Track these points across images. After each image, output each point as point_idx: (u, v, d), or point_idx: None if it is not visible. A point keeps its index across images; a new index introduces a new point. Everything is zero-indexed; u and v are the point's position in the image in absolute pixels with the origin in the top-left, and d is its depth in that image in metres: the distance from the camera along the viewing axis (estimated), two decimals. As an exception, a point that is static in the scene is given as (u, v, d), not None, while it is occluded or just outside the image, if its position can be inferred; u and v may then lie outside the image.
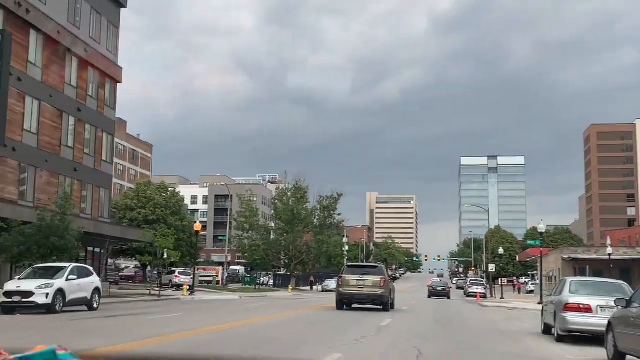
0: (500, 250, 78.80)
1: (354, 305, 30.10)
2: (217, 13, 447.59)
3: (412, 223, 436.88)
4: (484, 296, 68.78)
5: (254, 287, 69.45)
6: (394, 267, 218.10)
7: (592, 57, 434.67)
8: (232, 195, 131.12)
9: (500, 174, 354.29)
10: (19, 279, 25.28)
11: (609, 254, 59.24)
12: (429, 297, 62.72)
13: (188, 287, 41.84)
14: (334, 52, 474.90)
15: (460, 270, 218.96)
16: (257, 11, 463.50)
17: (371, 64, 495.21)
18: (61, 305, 24.01)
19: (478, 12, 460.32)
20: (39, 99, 34.94)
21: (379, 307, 29.18)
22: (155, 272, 70.43)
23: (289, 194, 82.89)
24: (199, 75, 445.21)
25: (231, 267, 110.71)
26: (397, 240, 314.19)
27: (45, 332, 16.50)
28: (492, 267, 75.90)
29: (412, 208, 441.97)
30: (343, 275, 30.31)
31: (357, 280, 29.09)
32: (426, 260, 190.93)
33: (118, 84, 43.66)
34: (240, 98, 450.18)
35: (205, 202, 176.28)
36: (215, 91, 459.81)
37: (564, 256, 66.91)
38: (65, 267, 25.84)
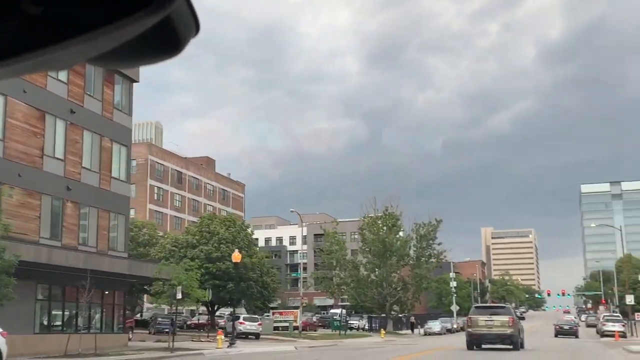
0: (641, 277, 64.47)
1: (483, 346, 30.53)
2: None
3: (531, 258, 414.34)
4: (623, 335, 55.21)
5: (339, 332, 58.86)
6: (513, 304, 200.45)
7: None
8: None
9: (625, 200, 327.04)
10: None
11: None
12: (556, 336, 59.76)
13: (224, 337, 31.96)
14: (442, 89, 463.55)
15: (589, 305, 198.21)
16: (361, 54, 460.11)
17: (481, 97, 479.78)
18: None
19: (590, 37, 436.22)
20: (4, 95, 26.63)
21: (509, 346, 29.53)
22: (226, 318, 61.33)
23: (379, 222, 72.14)
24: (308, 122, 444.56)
25: (332, 311, 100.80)
26: (516, 277, 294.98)
27: None
28: (630, 299, 61.75)
29: (530, 242, 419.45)
30: (472, 316, 31.18)
31: (486, 320, 29.84)
32: (549, 295, 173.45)
33: (134, 84, 35.40)
34: (347, 141, 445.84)
35: (304, 243, 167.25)
36: (323, 139, 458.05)
37: None
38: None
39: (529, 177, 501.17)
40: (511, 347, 29.38)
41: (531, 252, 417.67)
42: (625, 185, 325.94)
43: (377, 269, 71.56)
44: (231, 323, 51.90)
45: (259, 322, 51.19)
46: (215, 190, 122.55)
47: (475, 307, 35.00)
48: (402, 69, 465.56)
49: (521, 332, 31.60)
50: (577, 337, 58.95)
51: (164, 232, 76.40)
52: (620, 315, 72.63)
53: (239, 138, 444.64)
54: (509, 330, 29.29)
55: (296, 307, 70.59)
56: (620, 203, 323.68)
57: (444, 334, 72.03)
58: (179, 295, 30.70)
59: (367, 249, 72.41)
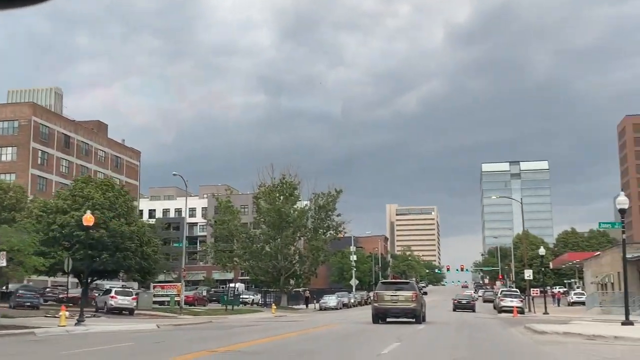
0: (542, 251, 62.97)
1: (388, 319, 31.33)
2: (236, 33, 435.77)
3: (433, 235, 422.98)
4: (520, 311, 53.52)
5: (225, 307, 54.38)
6: (413, 279, 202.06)
7: (613, 64, 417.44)
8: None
9: (523, 179, 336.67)
10: None
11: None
12: (454, 310, 60.95)
13: (67, 314, 26.80)
14: (353, 66, 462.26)
15: (486, 281, 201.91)
16: (274, 29, 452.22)
17: (391, 77, 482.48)
18: None
19: (496, 22, 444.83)
20: None
21: (412, 319, 30.61)
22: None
23: (276, 191, 67.87)
24: (218, 94, 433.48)
25: (230, 285, 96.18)
26: (418, 253, 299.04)
27: None
28: (529, 274, 60.18)
29: (433, 219, 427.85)
30: (378, 292, 32.14)
31: (392, 295, 30.81)
32: (448, 270, 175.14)
33: None
34: (258, 116, 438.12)
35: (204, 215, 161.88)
36: (233, 111, 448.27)
37: (629, 256, 51.05)
38: None
39: (434, 156, 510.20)
40: (414, 320, 30.63)
41: (433, 229, 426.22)
42: (524, 165, 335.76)
43: (272, 241, 67.40)
44: (102, 297, 46.72)
45: (134, 297, 45.97)
46: (107, 156, 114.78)
47: (382, 282, 36.57)
48: (315, 45, 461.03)
49: (423, 306, 33.04)
50: (474, 311, 59.87)
51: (34, 195, 69.30)
52: (517, 290, 71.64)
53: (145, 109, 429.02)
54: (412, 305, 30.61)
55: (193, 282, 65.77)
56: (519, 182, 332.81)
57: (341, 308, 68.90)
58: (3, 262, 25.34)
59: (261, 220, 68.12)
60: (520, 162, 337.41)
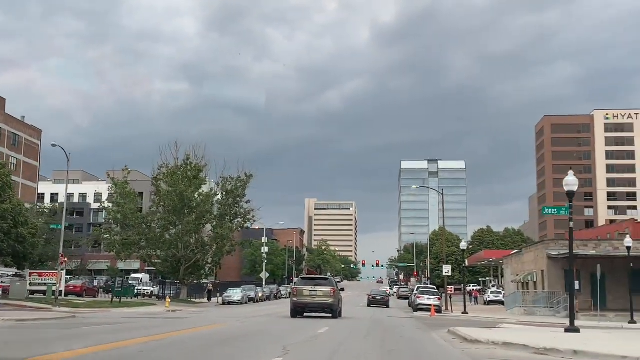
0: (463, 245, 58.98)
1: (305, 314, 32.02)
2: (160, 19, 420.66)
3: (351, 230, 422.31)
4: (438, 310, 49.55)
5: (111, 299, 47.94)
6: (329, 274, 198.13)
7: (530, 70, 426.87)
8: (143, 193, 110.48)
9: (441, 177, 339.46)
10: None
11: (628, 248, 40.35)
12: (369, 305, 61.25)
13: None
14: (279, 60, 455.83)
15: (401, 277, 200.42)
16: (200, 17, 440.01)
17: (316, 73, 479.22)
18: None
19: (420, 25, 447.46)
20: None
21: (329, 314, 31.71)
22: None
23: (179, 173, 61.59)
24: (139, 81, 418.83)
25: (132, 276, 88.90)
26: (335, 248, 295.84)
27: None
28: (447, 270, 56.29)
29: (351, 215, 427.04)
30: (297, 286, 32.94)
31: (310, 290, 31.69)
32: (363, 266, 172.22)
33: None
34: (181, 105, 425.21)
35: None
36: (154, 98, 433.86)
37: (552, 253, 47.73)
38: None
39: (356, 154, 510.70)
40: (330, 315, 31.44)
41: (351, 225, 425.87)
42: (442, 164, 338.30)
43: (172, 228, 61.19)
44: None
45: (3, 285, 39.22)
46: (3, 133, 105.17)
47: (301, 277, 37.23)
48: (241, 36, 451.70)
49: (340, 302, 33.95)
50: (388, 307, 60.78)
51: None
52: (435, 287, 68.09)
53: (62, 91, 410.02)
54: (330, 300, 31.46)
55: (96, 271, 58.77)
56: (436, 181, 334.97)
57: (246, 303, 63.43)
58: None
59: (161, 204, 61.78)
60: (439, 161, 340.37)
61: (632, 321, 37.27)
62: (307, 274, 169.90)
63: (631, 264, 39.63)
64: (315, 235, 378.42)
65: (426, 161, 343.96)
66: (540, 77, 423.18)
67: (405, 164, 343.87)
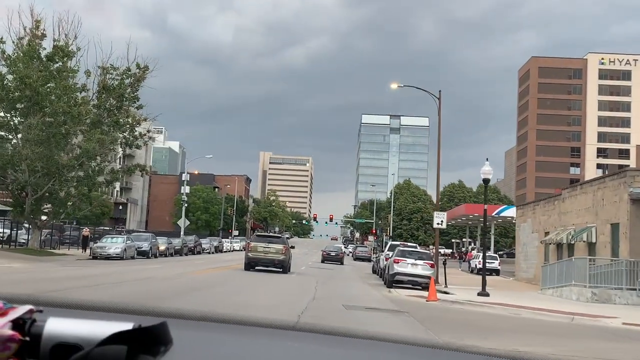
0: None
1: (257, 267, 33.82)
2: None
3: (306, 187, 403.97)
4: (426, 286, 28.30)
5: None
6: (276, 229, 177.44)
7: (495, 38, 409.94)
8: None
9: (402, 134, 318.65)
10: None
11: None
12: (322, 261, 61.82)
13: None
14: (243, 13, 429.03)
15: (357, 236, 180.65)
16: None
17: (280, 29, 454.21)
18: None
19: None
20: None
21: (279, 269, 33.79)
22: None
23: (25, 48, 38.93)
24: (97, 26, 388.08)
25: None
26: (288, 204, 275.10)
27: None
28: (440, 219, 35.43)
29: (307, 171, 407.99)
30: (252, 242, 35.43)
31: (264, 247, 33.99)
32: (316, 221, 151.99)
33: None
34: (140, 54, 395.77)
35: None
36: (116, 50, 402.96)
37: (635, 190, 27.03)
38: None
39: (316, 112, 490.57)
40: (281, 270, 33.66)
41: (306, 181, 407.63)
42: (405, 120, 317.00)
43: (12, 136, 38.99)
44: None
45: None
46: None
47: (257, 235, 39.55)
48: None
49: (290, 259, 35.84)
50: (342, 264, 61.22)
51: None
52: (427, 250, 47.32)
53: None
54: (281, 257, 33.73)
55: None
56: (398, 137, 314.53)
57: (132, 258, 41.95)
58: None
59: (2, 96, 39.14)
60: (401, 117, 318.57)
61: None
62: (252, 228, 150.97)
63: None
64: (268, 190, 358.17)
65: (388, 116, 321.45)
66: (510, 44, 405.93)
67: (366, 118, 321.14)
